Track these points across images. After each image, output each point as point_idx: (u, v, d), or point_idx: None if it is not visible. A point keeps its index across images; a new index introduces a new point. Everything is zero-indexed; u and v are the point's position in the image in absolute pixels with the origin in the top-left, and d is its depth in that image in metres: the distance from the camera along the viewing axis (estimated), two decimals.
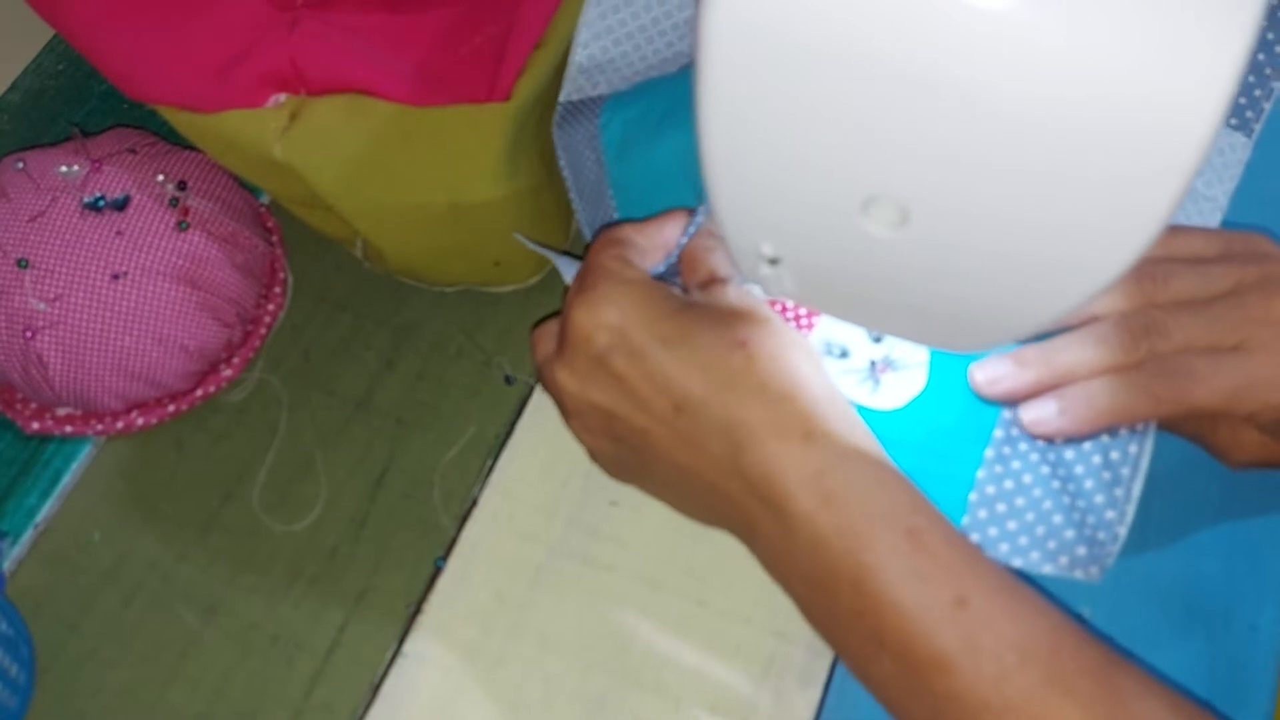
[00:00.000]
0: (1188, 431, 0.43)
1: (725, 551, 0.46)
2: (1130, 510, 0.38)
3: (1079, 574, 0.38)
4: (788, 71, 0.26)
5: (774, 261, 0.34)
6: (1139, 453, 0.39)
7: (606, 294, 0.38)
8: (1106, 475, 0.39)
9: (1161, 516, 0.46)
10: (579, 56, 0.47)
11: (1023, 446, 0.40)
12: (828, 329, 0.42)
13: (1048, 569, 0.38)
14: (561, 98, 0.48)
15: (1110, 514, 0.38)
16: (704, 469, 0.38)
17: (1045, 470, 0.39)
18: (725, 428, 0.36)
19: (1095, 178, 0.25)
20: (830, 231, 0.30)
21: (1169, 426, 0.42)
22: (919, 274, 0.31)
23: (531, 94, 0.47)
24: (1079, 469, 0.39)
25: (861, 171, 0.28)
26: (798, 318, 0.43)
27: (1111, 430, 0.39)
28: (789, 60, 0.26)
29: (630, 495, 0.48)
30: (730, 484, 0.37)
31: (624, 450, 0.41)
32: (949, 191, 0.27)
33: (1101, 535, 0.38)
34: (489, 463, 0.50)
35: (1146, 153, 0.24)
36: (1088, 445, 0.39)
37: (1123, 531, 0.38)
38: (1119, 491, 0.39)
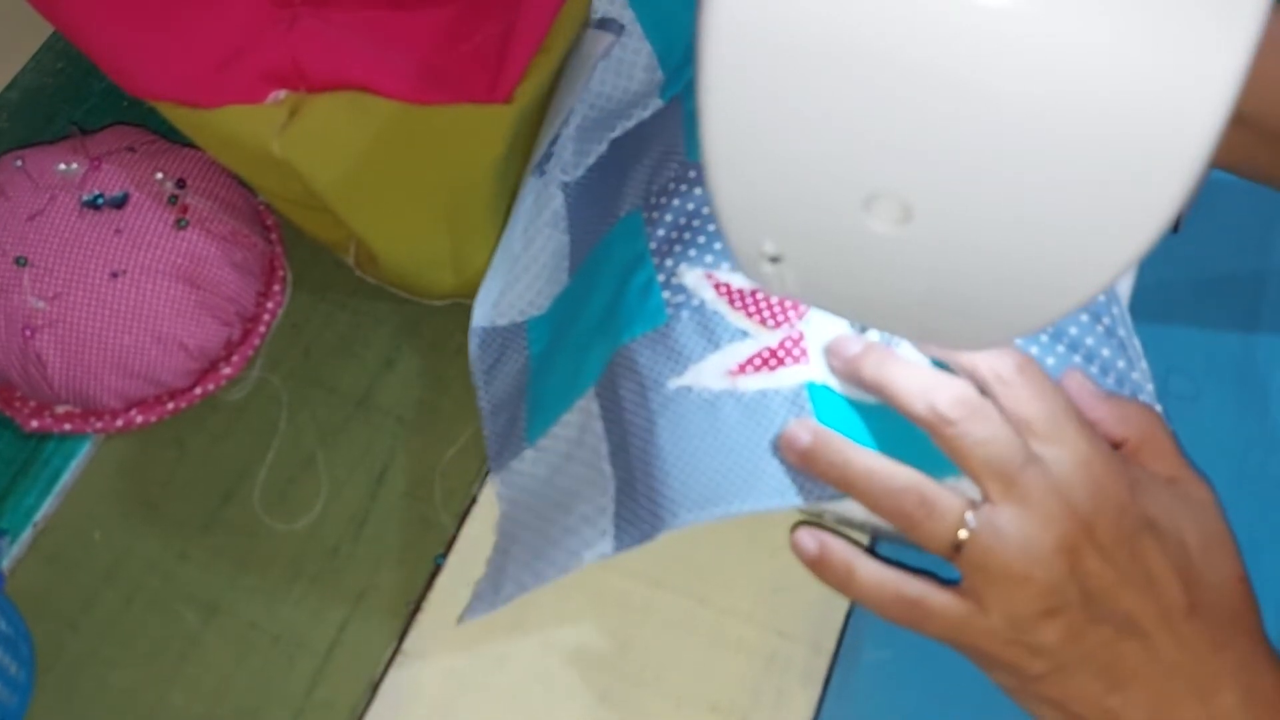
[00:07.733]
0: None
1: (726, 550, 0.46)
2: (1136, 342, 0.42)
3: None
4: (788, 69, 0.26)
5: (775, 259, 0.34)
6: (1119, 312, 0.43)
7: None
8: (1099, 328, 0.42)
9: None
10: (491, 312, 0.50)
11: (1043, 337, 0.41)
12: (818, 337, 0.41)
13: None
14: (484, 323, 0.50)
15: (1136, 374, 0.41)
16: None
17: (1074, 359, 0.41)
18: None
19: (1098, 176, 0.25)
20: (833, 229, 0.30)
21: None
22: (922, 271, 0.31)
23: (533, 98, 0.47)
24: (1089, 340, 0.41)
25: (864, 169, 0.28)
26: (789, 353, 0.41)
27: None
28: (789, 58, 0.26)
29: None
30: None
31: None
32: (951, 189, 0.27)
33: (1142, 399, 0.41)
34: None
35: (1149, 151, 0.24)
36: (1093, 338, 0.42)
37: (1145, 371, 0.42)
38: (1121, 333, 0.42)
